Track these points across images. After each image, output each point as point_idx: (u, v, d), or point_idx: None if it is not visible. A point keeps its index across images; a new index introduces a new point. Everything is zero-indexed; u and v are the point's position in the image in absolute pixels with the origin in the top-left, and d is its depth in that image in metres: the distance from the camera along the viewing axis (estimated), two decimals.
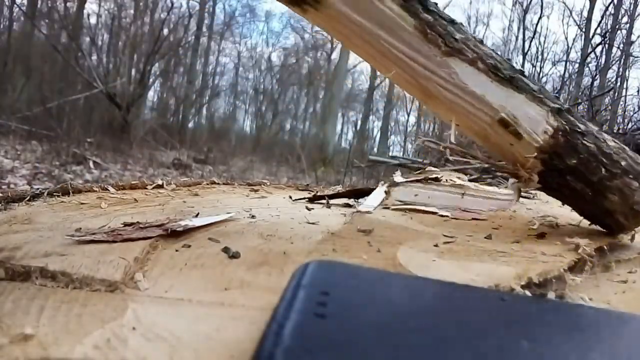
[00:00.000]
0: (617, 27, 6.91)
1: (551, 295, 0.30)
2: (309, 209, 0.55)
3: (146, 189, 0.62)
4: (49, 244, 0.32)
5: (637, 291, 0.34)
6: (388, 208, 0.59)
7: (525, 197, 0.79)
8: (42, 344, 0.20)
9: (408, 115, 9.58)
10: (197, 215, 0.45)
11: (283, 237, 0.39)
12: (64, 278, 0.26)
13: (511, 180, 0.53)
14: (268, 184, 0.77)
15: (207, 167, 4.78)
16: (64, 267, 0.27)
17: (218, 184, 0.71)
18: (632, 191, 0.44)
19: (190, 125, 7.69)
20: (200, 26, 8.35)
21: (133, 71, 6.22)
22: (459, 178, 0.84)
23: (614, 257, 0.41)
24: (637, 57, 6.58)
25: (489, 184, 1.04)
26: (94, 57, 6.07)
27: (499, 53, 0.48)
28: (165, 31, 6.14)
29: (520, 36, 8.32)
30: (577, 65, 6.97)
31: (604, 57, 6.67)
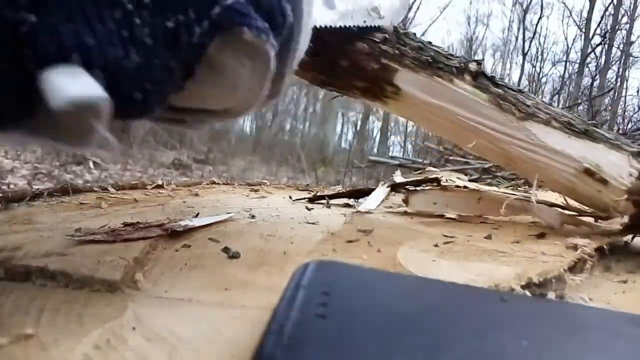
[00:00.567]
0: (616, 27, 6.92)
1: (551, 295, 0.30)
2: (309, 209, 0.55)
3: (146, 189, 0.62)
4: (49, 244, 0.32)
5: (637, 291, 0.34)
6: (390, 209, 0.59)
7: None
8: (42, 344, 0.20)
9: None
10: (197, 215, 0.45)
11: (283, 237, 0.39)
12: (64, 278, 0.26)
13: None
14: (268, 184, 0.77)
15: (207, 167, 4.78)
16: (64, 267, 0.27)
17: (218, 184, 0.72)
18: None
19: None
20: None
21: None
22: (458, 178, 0.84)
23: (614, 257, 0.41)
24: (637, 57, 6.59)
25: (489, 184, 1.04)
26: None
27: (566, 113, 0.52)
28: None
29: (520, 36, 8.33)
30: (577, 65, 6.98)
31: (603, 57, 6.68)
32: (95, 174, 3.23)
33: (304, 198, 0.63)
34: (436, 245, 0.39)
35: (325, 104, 9.24)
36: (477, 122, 0.50)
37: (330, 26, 0.43)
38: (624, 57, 6.59)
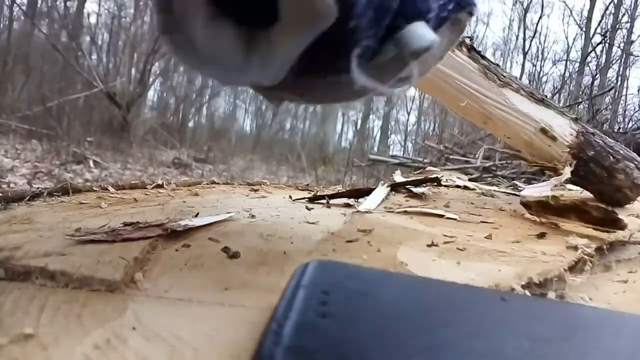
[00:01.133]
0: (617, 26, 6.91)
1: (551, 295, 0.30)
2: (309, 209, 0.55)
3: (146, 188, 0.62)
4: (49, 244, 0.32)
5: (637, 291, 0.34)
6: (390, 209, 0.59)
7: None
8: (42, 344, 0.20)
9: (408, 115, 9.57)
10: (197, 215, 0.45)
11: (283, 237, 0.39)
12: (64, 278, 0.26)
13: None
14: (268, 183, 0.77)
15: (207, 166, 4.78)
16: (64, 267, 0.27)
17: (218, 183, 0.71)
18: (632, 170, 0.65)
19: (190, 124, 7.68)
20: None
21: (133, 70, 6.22)
22: (459, 178, 0.84)
23: (614, 257, 0.41)
24: (638, 56, 6.58)
25: (490, 184, 1.04)
26: (94, 57, 6.07)
27: (527, 83, 0.71)
28: None
29: (521, 35, 8.31)
30: (577, 64, 6.97)
31: (604, 56, 6.67)
32: (95, 173, 3.23)
33: (304, 198, 0.63)
34: (436, 245, 0.39)
35: None
36: (469, 85, 0.63)
37: None
38: (624, 56, 6.58)
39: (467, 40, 0.62)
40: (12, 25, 6.25)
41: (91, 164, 3.41)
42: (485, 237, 0.44)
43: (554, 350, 0.19)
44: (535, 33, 8.03)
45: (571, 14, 9.41)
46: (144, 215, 0.44)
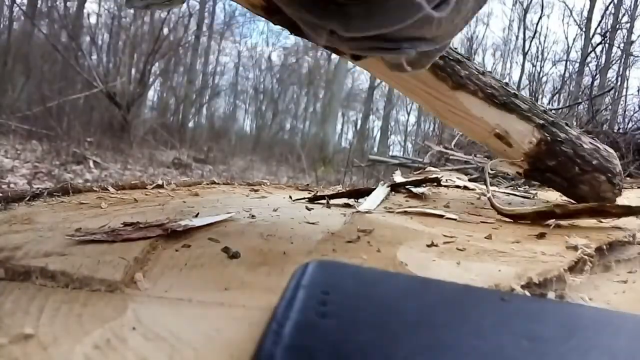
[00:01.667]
0: (617, 26, 6.91)
1: (551, 295, 0.30)
2: (309, 209, 0.55)
3: (146, 188, 0.62)
4: (49, 244, 0.32)
5: (637, 291, 0.34)
6: (390, 209, 0.59)
7: (525, 197, 0.79)
8: (42, 344, 0.20)
9: (408, 115, 9.58)
10: (197, 215, 0.45)
11: (283, 237, 0.39)
12: (64, 278, 0.26)
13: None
14: (268, 183, 0.77)
15: (207, 166, 4.78)
16: (64, 267, 0.27)
17: (218, 183, 0.71)
18: (600, 183, 0.62)
19: (190, 124, 7.68)
20: (201, 26, 8.34)
21: (133, 71, 6.21)
22: (459, 178, 0.84)
23: (614, 257, 0.41)
24: (638, 56, 6.57)
25: (490, 184, 1.04)
26: (94, 57, 6.07)
27: (499, 79, 0.63)
28: (165, 31, 6.13)
29: (521, 36, 8.32)
30: (577, 64, 6.97)
31: (604, 56, 6.67)
32: (95, 173, 3.22)
33: (304, 198, 0.63)
34: (436, 245, 0.39)
35: (325, 103, 9.23)
36: (417, 85, 0.61)
37: None
38: (624, 57, 6.58)
39: None
40: (12, 25, 6.25)
41: (91, 164, 3.41)
42: (485, 238, 0.44)
43: (554, 350, 0.19)
44: (535, 33, 8.03)
45: (571, 14, 9.43)
46: (144, 216, 0.44)
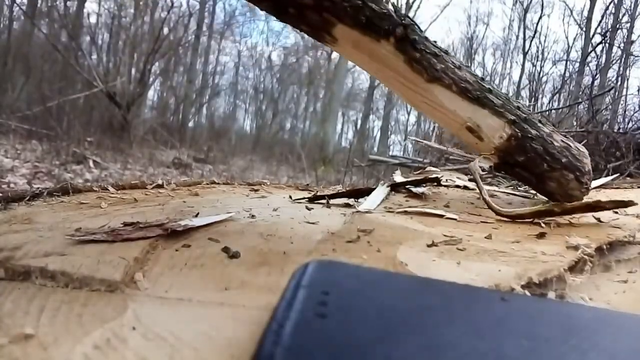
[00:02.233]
0: (617, 26, 6.91)
1: (551, 295, 0.30)
2: (309, 209, 0.55)
3: (146, 188, 0.62)
4: (49, 244, 0.32)
5: (637, 291, 0.34)
6: (391, 210, 0.59)
7: (525, 197, 0.79)
8: (42, 343, 0.20)
9: (408, 115, 9.58)
10: (197, 215, 0.45)
11: (283, 237, 0.39)
12: (64, 278, 0.27)
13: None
14: (268, 183, 0.77)
15: (207, 166, 4.78)
16: (64, 267, 0.27)
17: (218, 183, 0.71)
18: (568, 181, 0.63)
19: (190, 124, 7.69)
20: (201, 25, 8.34)
21: (133, 70, 6.21)
22: (458, 178, 0.84)
23: (614, 257, 0.41)
24: (638, 56, 6.57)
25: (489, 184, 1.04)
26: (94, 57, 6.07)
27: (474, 73, 0.64)
28: (165, 30, 6.13)
29: (521, 35, 8.32)
30: (577, 64, 6.97)
31: (604, 56, 6.67)
32: (95, 173, 3.22)
33: (304, 198, 0.63)
34: (436, 245, 0.39)
35: (325, 103, 9.23)
36: (394, 77, 0.61)
37: None
38: (624, 56, 6.58)
39: (399, 30, 0.57)
40: (12, 25, 6.25)
41: (91, 164, 3.41)
42: (485, 238, 0.44)
43: (554, 350, 0.19)
44: (535, 33, 8.03)
45: (571, 14, 9.41)
46: (144, 215, 0.44)
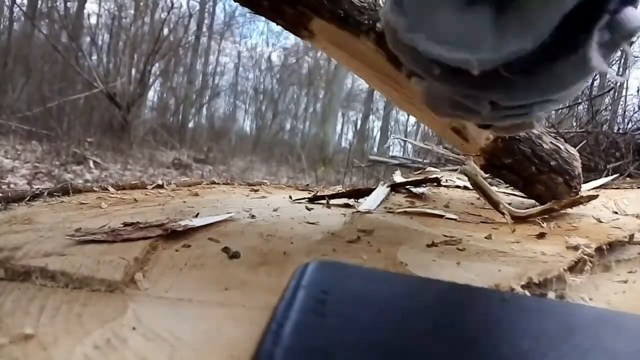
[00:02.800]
0: None
1: (551, 295, 0.30)
2: (309, 209, 0.55)
3: (146, 189, 0.62)
4: (49, 244, 0.32)
5: (637, 291, 0.34)
6: (391, 210, 0.59)
7: (524, 197, 0.79)
8: (42, 344, 0.20)
9: (408, 115, 9.59)
10: (197, 215, 0.45)
11: (283, 237, 0.39)
12: (64, 278, 0.27)
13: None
14: (268, 184, 0.77)
15: (207, 166, 4.77)
16: (64, 267, 0.27)
17: (218, 184, 0.71)
18: (556, 184, 0.61)
19: (190, 125, 7.67)
20: (201, 26, 8.34)
21: (133, 71, 6.21)
22: (458, 178, 0.84)
23: (614, 257, 0.41)
24: (637, 57, 6.58)
25: (490, 184, 1.04)
26: (94, 57, 6.06)
27: None
28: (166, 31, 6.12)
29: None
30: None
31: None
32: (95, 174, 3.22)
33: (304, 198, 0.63)
34: (436, 245, 0.39)
35: (325, 103, 9.23)
36: (375, 75, 0.58)
37: None
38: (624, 57, 6.58)
39: (379, 25, 0.53)
40: (12, 26, 6.25)
41: (91, 164, 3.41)
42: (485, 238, 0.44)
43: (554, 350, 0.19)
44: None
45: None
46: (144, 216, 0.44)
